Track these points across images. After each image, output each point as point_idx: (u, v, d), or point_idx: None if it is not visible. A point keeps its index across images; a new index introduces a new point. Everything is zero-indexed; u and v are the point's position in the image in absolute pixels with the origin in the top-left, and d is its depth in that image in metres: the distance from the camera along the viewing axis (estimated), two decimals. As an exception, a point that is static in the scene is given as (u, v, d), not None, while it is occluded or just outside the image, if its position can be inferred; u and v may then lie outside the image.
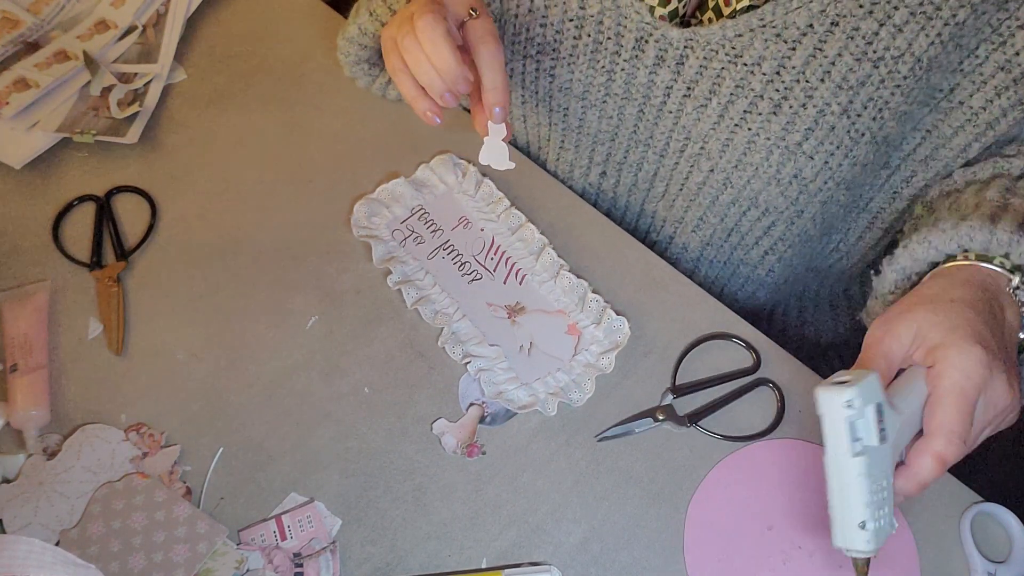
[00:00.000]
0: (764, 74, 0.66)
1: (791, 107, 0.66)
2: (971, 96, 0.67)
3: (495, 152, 0.71)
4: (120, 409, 0.70)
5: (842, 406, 0.51)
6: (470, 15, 0.66)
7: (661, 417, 0.68)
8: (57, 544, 0.63)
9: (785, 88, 0.66)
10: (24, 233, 0.79)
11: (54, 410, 0.69)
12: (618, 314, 0.72)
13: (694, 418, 0.68)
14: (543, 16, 0.72)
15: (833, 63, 0.65)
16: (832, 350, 0.94)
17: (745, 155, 0.70)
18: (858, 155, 0.69)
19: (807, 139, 0.67)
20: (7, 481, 0.66)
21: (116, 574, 0.62)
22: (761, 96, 0.67)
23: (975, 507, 0.64)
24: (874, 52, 0.64)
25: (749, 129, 0.68)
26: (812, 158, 0.68)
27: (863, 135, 0.67)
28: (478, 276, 0.76)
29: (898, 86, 0.65)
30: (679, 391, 0.70)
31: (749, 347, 0.72)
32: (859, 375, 0.52)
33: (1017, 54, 0.64)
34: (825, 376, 0.71)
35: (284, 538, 0.64)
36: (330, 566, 0.63)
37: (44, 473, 0.66)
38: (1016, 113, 0.66)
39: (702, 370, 0.71)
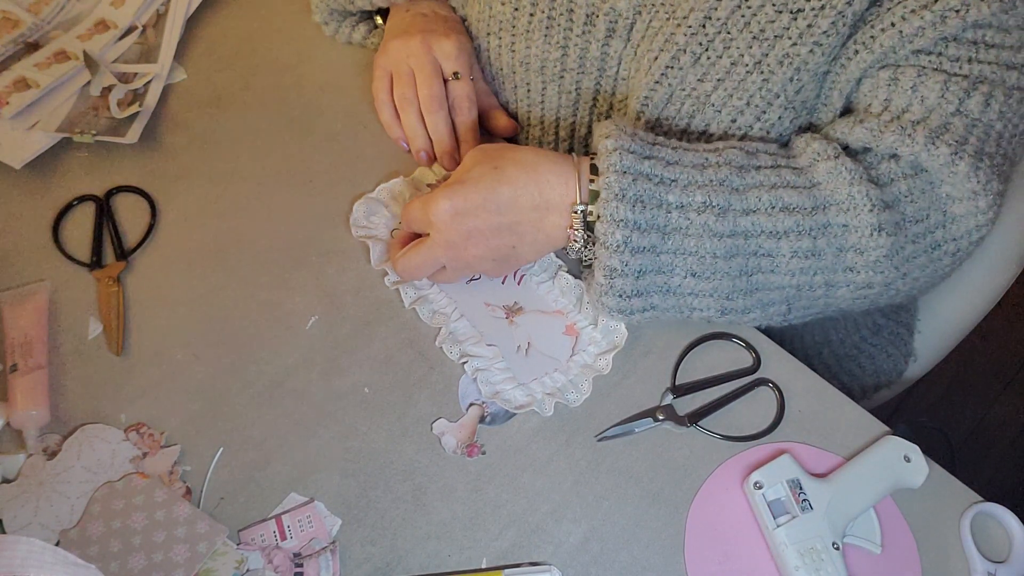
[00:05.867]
0: (690, 27, 0.67)
1: (708, 59, 0.67)
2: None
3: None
4: (120, 409, 0.70)
5: (753, 486, 0.63)
6: (453, 76, 0.78)
7: (661, 417, 0.68)
8: (57, 544, 0.63)
9: (708, 40, 0.67)
10: (24, 233, 0.79)
11: (54, 410, 0.69)
12: (618, 314, 0.72)
13: (694, 418, 0.68)
14: None
15: (755, 13, 0.65)
16: (828, 348, 0.94)
17: (664, 109, 0.71)
18: (770, 119, 0.68)
19: (716, 90, 0.68)
20: (7, 481, 0.66)
21: (116, 574, 0.62)
22: (684, 50, 0.67)
23: (975, 507, 0.64)
24: (794, 3, 0.64)
25: (669, 84, 0.69)
26: (719, 111, 0.69)
27: (777, 96, 0.67)
28: (476, 276, 0.76)
29: (817, 43, 0.64)
30: (679, 391, 0.70)
31: (749, 347, 0.72)
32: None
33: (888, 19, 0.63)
34: (825, 376, 0.71)
35: (284, 538, 0.64)
36: (330, 566, 0.63)
37: (44, 473, 0.66)
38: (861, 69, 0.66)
39: (702, 370, 0.71)
